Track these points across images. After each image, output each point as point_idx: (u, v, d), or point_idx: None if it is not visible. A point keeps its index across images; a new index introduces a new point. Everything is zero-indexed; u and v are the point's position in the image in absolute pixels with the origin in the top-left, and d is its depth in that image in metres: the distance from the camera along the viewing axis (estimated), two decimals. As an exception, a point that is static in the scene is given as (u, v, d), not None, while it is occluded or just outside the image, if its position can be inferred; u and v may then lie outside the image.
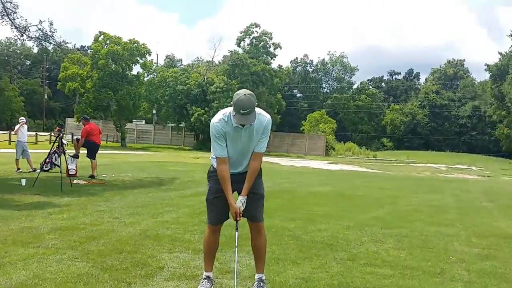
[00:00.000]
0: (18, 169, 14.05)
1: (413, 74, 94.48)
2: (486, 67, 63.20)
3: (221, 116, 3.99)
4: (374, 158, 50.24)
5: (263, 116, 4.03)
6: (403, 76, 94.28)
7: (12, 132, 15.67)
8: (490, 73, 63.21)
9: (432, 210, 10.64)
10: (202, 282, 4.18)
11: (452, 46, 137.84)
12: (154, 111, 55.54)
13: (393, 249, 6.25)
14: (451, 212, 10.53)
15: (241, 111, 3.77)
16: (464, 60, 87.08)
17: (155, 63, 53.81)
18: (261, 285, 4.18)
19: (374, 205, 10.93)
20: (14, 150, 14.99)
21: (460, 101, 77.75)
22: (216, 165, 4.07)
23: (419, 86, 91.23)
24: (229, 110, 3.98)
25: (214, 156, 4.09)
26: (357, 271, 5.05)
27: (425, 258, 5.84)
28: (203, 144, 45.85)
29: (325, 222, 7.96)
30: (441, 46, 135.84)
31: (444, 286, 4.68)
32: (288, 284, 4.44)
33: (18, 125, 14.72)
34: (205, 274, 4.25)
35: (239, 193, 4.13)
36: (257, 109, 3.96)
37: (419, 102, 78.54)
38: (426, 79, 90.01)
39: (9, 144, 32.37)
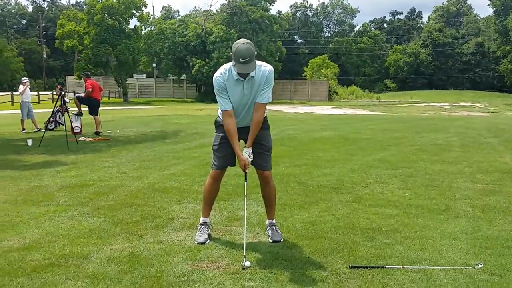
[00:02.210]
0: (24, 129, 14.11)
1: (415, 13, 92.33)
2: (489, 2, 61.82)
3: (222, 70, 4.02)
4: (377, 101, 50.05)
5: (264, 68, 4.02)
6: (405, 16, 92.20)
7: (18, 93, 15.53)
8: (494, 8, 61.96)
9: (436, 149, 10.70)
10: (200, 229, 4.30)
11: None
12: (154, 65, 55.01)
13: (398, 189, 6.34)
14: (455, 150, 10.59)
15: (240, 59, 3.78)
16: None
17: (151, 15, 52.79)
18: (274, 228, 4.31)
19: (378, 147, 10.99)
20: (18, 111, 15.01)
21: (464, 38, 76.39)
22: (222, 119, 4.11)
23: (421, 25, 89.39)
24: (230, 64, 4.01)
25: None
26: (362, 212, 5.14)
27: (429, 196, 5.92)
28: (206, 95, 45.70)
29: (330, 167, 8.04)
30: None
31: (448, 223, 4.77)
32: (296, 228, 4.54)
33: (24, 86, 14.64)
34: (202, 219, 4.36)
35: (245, 143, 4.19)
36: (258, 62, 3.95)
37: (422, 42, 77.17)
38: (428, 18, 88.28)
39: (12, 105, 32.41)
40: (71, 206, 5.34)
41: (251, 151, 4.12)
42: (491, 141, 12.61)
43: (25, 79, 15.00)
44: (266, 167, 4.22)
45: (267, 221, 4.42)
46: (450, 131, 15.51)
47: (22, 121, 14.39)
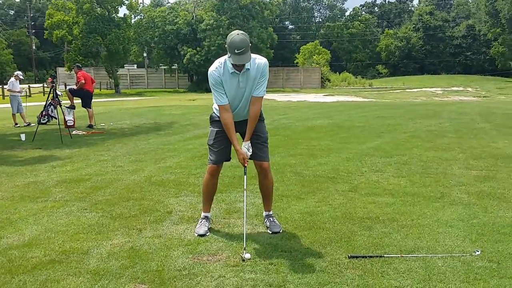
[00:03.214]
0: (16, 124, 14.04)
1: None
2: (480, -17, 61.67)
3: (217, 64, 4.02)
4: (370, 87, 50.11)
5: (259, 61, 4.03)
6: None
7: (7, 87, 15.39)
8: (484, -11, 61.75)
9: (430, 135, 10.76)
10: (201, 222, 4.33)
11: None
12: (145, 54, 54.68)
13: (393, 177, 6.39)
14: (449, 136, 10.66)
15: (235, 50, 3.78)
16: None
17: (141, 3, 52.34)
18: (272, 219, 4.35)
19: (372, 134, 11.04)
20: (9, 105, 14.90)
21: (455, 21, 76.35)
22: (219, 114, 4.12)
23: (412, 8, 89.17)
24: (224, 57, 4.01)
25: (216, 106, 4.14)
26: (359, 201, 5.18)
27: (425, 184, 5.98)
28: (198, 85, 45.53)
29: (325, 156, 8.08)
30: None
31: (444, 210, 4.82)
32: (294, 219, 4.57)
33: (15, 79, 14.46)
34: (203, 214, 4.40)
35: (242, 137, 4.20)
36: (253, 55, 3.97)
37: (413, 25, 77.01)
38: (419, 0, 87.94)
39: (3, 98, 32.11)
40: (68, 201, 5.34)
41: (250, 144, 4.13)
42: (484, 126, 12.70)
43: (19, 73, 14.83)
44: (264, 158, 4.24)
45: (264, 213, 4.46)
46: (443, 117, 15.59)
47: (13, 115, 14.30)
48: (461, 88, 41.58)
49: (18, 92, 14.60)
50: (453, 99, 29.91)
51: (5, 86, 29.47)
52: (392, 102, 26.09)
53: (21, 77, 14.80)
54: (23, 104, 14.74)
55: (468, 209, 4.85)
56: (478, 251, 3.66)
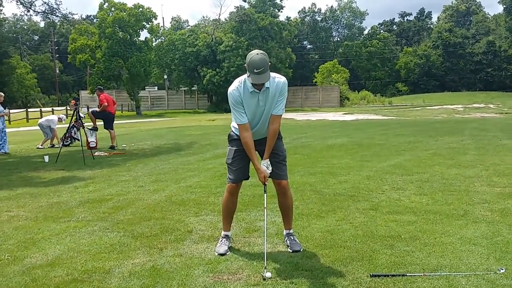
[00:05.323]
0: (52, 145, 14.33)
1: (425, 14, 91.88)
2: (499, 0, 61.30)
3: (237, 84, 4.05)
4: (389, 105, 49.83)
5: (278, 79, 4.06)
6: (415, 17, 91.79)
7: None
8: (504, 6, 61.36)
9: (452, 152, 10.63)
10: (221, 241, 4.34)
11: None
12: (165, 76, 55.41)
13: (414, 195, 6.32)
14: (471, 153, 10.51)
15: (255, 70, 3.82)
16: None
17: (161, 26, 53.31)
18: (292, 238, 4.33)
19: (392, 152, 10.95)
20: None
21: (474, 37, 75.76)
22: (239, 133, 4.15)
23: (431, 26, 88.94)
24: (244, 77, 4.04)
25: (235, 125, 4.17)
26: (380, 219, 5.13)
27: (447, 201, 5.90)
28: (217, 105, 45.90)
29: (345, 174, 8.04)
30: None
31: (468, 228, 4.75)
32: (314, 238, 4.55)
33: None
34: (223, 233, 4.41)
35: (261, 155, 4.22)
36: (272, 73, 4.00)
37: (433, 43, 76.66)
38: (438, 18, 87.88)
39: (27, 122, 32.84)
40: (90, 221, 5.40)
41: (269, 162, 4.15)
42: (507, 142, 12.50)
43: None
44: (283, 176, 4.25)
45: (285, 231, 4.44)
46: (464, 134, 15.40)
47: (47, 139, 14.46)
48: (482, 105, 41.09)
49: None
50: (475, 116, 29.53)
51: (29, 110, 29.97)
52: (412, 120, 25.88)
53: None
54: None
55: (492, 227, 4.76)
56: (502, 269, 3.59)
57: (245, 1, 50.08)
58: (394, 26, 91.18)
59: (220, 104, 44.96)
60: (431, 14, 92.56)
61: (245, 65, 3.92)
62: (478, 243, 4.26)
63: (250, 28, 46.20)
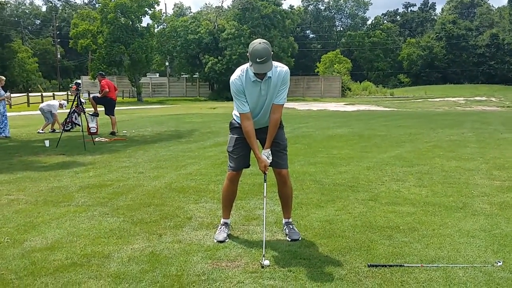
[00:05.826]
0: (53, 130, 14.34)
1: (429, 5, 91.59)
2: (504, -8, 60.96)
3: (239, 73, 4.03)
4: (391, 96, 49.73)
5: (280, 69, 4.04)
6: (419, 8, 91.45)
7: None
8: (509, -2, 61.00)
9: (452, 145, 10.63)
10: (220, 228, 4.36)
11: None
12: (167, 63, 55.22)
13: (414, 186, 6.33)
14: (471, 146, 10.51)
15: (257, 59, 3.80)
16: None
17: (164, 13, 53.01)
18: (291, 227, 4.35)
19: (393, 144, 10.95)
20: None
21: (478, 29, 75.42)
22: (240, 122, 4.15)
23: (435, 17, 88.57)
24: (246, 66, 4.02)
25: (237, 113, 4.17)
26: (379, 210, 5.15)
27: (446, 194, 5.91)
28: (218, 94, 45.79)
29: (345, 164, 8.05)
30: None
31: (466, 220, 4.76)
32: (313, 227, 4.56)
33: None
34: (223, 220, 4.44)
35: (262, 144, 4.22)
36: (274, 62, 3.98)
37: (436, 34, 76.30)
38: (442, 9, 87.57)
39: (28, 106, 32.83)
40: (90, 206, 5.42)
41: (270, 152, 4.15)
42: (507, 136, 12.49)
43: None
44: (283, 165, 4.25)
45: (284, 220, 4.46)
46: (465, 127, 15.39)
47: (48, 124, 14.48)
48: (484, 98, 41.01)
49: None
50: (476, 108, 29.49)
51: (31, 94, 29.96)
52: (413, 112, 25.85)
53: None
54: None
55: (490, 220, 4.77)
56: (500, 262, 3.60)
57: (248, -11, 49.76)
58: (398, 17, 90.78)
59: (221, 92, 44.85)
60: (435, 5, 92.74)
61: (248, 54, 3.90)
62: (476, 236, 4.28)
63: (252, 16, 45.94)
